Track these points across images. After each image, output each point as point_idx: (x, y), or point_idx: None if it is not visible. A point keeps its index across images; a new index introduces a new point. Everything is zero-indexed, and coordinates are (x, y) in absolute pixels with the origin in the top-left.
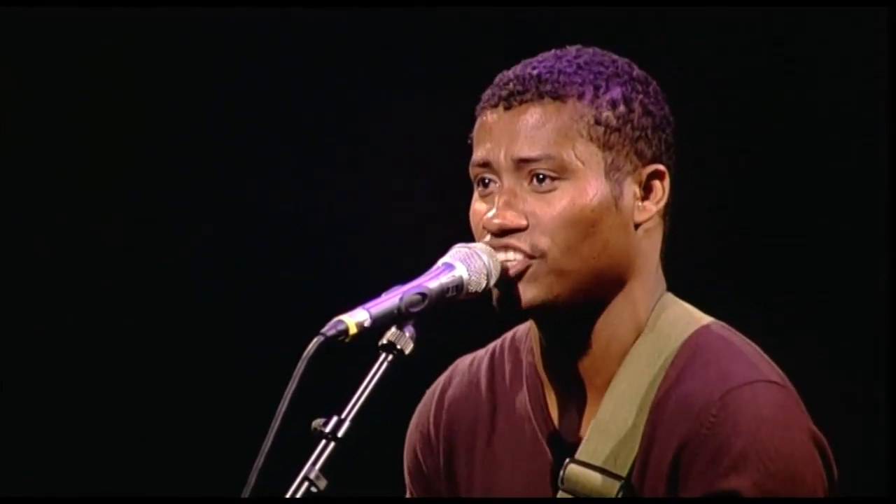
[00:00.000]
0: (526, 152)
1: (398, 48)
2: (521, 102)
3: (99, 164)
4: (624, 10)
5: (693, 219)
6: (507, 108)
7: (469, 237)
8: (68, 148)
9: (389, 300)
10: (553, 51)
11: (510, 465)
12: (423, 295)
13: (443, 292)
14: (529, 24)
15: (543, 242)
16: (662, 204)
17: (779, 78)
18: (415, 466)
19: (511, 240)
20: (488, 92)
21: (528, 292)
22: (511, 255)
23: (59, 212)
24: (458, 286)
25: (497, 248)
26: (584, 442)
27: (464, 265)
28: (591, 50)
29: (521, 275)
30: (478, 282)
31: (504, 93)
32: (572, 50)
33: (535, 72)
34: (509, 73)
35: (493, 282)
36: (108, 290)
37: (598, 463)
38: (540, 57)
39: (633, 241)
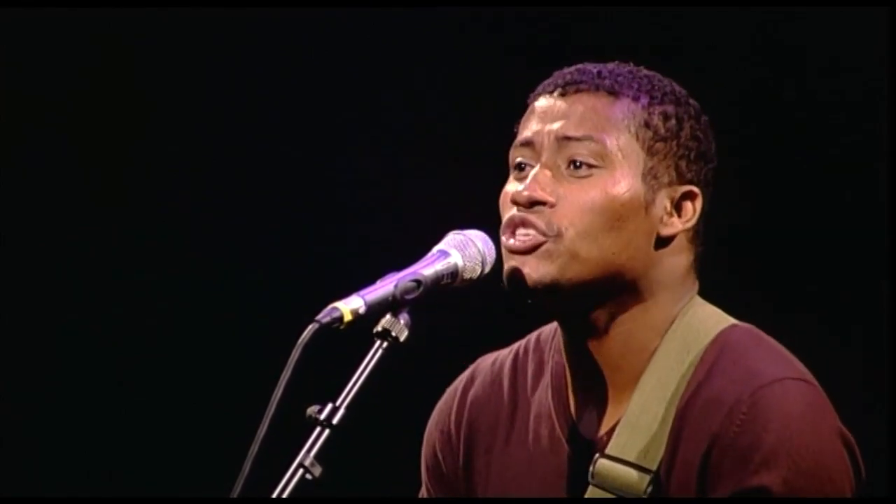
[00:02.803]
0: (571, 131)
1: (396, 45)
2: (576, 91)
3: (97, 162)
4: (624, 11)
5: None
6: (562, 95)
7: (465, 224)
8: (66, 147)
9: (384, 287)
10: (616, 62)
11: (527, 463)
12: (418, 282)
13: (438, 279)
14: (540, 25)
15: (563, 223)
16: (691, 224)
17: (779, 77)
18: (433, 465)
19: (532, 215)
20: (544, 82)
21: (540, 269)
22: (529, 231)
23: (57, 211)
24: (453, 273)
25: (517, 224)
26: (614, 437)
27: (459, 252)
28: (652, 71)
29: (533, 250)
30: (472, 269)
31: (560, 81)
32: (632, 66)
33: (595, 69)
34: (568, 68)
35: (487, 269)
36: (102, 282)
37: (627, 458)
38: (601, 64)
39: (655, 252)
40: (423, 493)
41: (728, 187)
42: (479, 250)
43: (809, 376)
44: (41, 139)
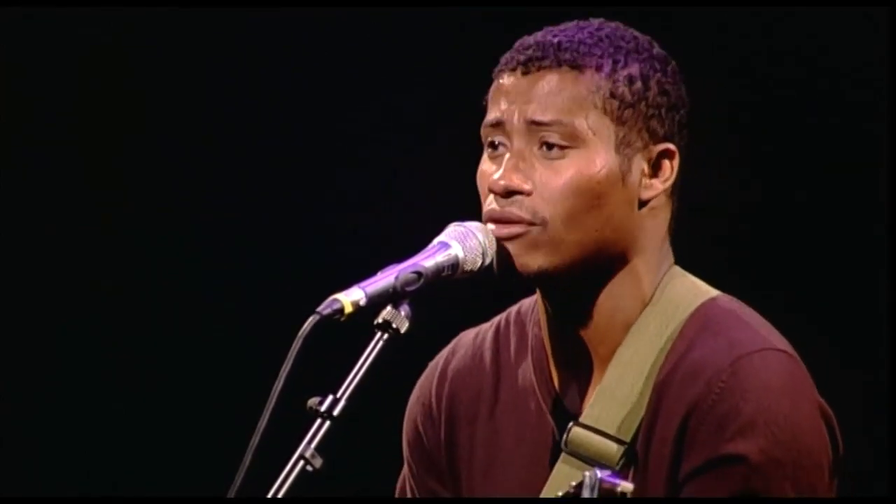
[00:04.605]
0: (539, 116)
1: (393, 45)
2: (539, 68)
3: (96, 163)
4: (624, 11)
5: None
6: (525, 73)
7: (465, 216)
8: (65, 147)
9: (385, 279)
10: (576, 21)
11: (513, 437)
12: (419, 274)
13: (438, 271)
14: (539, 24)
15: (545, 210)
16: (670, 183)
17: (779, 77)
18: (414, 438)
19: (513, 208)
20: (507, 56)
21: (527, 260)
22: (514, 228)
23: (57, 210)
24: (454, 265)
25: (498, 221)
26: (588, 407)
27: (459, 244)
28: (613, 24)
29: (519, 240)
30: (473, 260)
31: (522, 57)
32: (595, 22)
33: (555, 39)
34: (529, 39)
35: (488, 260)
36: (102, 281)
37: (602, 427)
38: (562, 26)
39: (638, 217)
40: (404, 470)
41: (726, 187)
42: (479, 242)
43: (790, 348)
44: (40, 139)
